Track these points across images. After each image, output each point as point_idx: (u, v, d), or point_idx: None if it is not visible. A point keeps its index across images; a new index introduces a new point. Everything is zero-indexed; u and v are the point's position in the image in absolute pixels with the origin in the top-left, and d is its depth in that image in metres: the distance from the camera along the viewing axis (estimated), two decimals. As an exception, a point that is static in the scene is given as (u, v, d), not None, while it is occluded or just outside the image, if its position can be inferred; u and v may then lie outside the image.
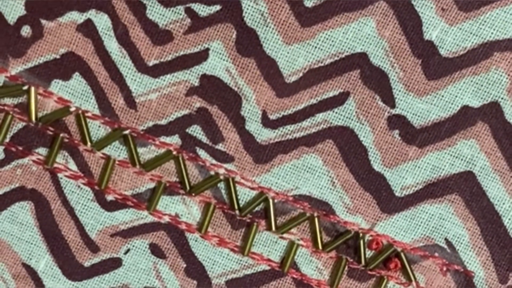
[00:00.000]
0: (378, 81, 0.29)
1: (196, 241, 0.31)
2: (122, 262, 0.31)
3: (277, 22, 0.29)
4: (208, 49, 0.29)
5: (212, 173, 0.30)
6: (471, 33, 0.29)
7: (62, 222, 0.31)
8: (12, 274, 0.31)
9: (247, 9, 0.29)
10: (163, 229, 0.31)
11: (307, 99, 0.30)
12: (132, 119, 0.30)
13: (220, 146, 0.30)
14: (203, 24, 0.29)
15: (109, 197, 0.31)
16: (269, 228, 0.31)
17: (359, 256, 0.31)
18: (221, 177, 0.30)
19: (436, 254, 0.30)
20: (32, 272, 0.31)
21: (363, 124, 0.30)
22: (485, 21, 0.29)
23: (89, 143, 0.30)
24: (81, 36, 0.30)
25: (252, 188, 0.30)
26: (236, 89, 0.30)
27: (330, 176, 0.30)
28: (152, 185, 0.31)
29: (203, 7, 0.29)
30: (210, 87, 0.30)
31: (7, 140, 0.30)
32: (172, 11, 0.29)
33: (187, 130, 0.30)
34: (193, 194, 0.30)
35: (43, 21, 0.29)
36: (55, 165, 0.31)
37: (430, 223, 0.30)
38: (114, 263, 0.31)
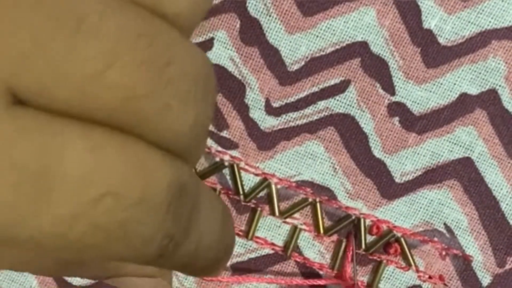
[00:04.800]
0: (378, 69, 0.30)
1: (201, 225, 0.32)
2: (130, 246, 0.32)
3: (279, 12, 0.30)
4: (212, 38, 0.30)
5: (217, 159, 0.31)
6: (469, 21, 0.29)
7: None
8: (25, 257, 0.32)
9: (250, -1, 0.30)
10: (170, 214, 0.32)
11: (309, 87, 0.30)
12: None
13: (225, 133, 0.31)
14: (207, 14, 0.30)
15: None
16: (272, 213, 0.31)
17: (359, 241, 0.31)
18: (226, 163, 0.31)
19: (435, 239, 0.31)
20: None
21: (363, 111, 0.30)
22: (483, 10, 0.29)
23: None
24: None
25: (256, 174, 0.31)
26: (240, 77, 0.30)
27: (331, 162, 0.31)
28: (159, 171, 0.31)
29: (208, -2, 0.30)
30: (215, 76, 0.30)
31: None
32: (177, 1, 0.30)
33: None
34: (199, 180, 0.31)
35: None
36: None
37: (429, 208, 0.31)
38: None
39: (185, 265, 0.19)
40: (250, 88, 0.30)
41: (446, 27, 0.29)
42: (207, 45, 0.30)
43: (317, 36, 0.30)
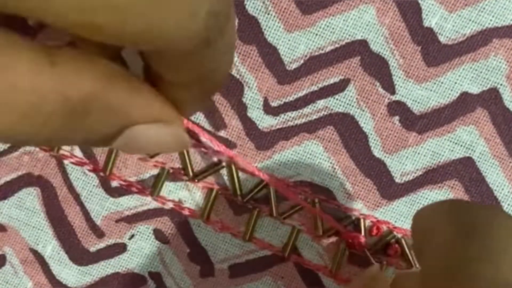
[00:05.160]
0: (378, 68, 0.30)
1: (199, 226, 0.31)
2: (127, 247, 0.32)
3: (278, 10, 0.29)
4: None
5: (215, 159, 0.31)
6: (470, 20, 0.29)
7: (68, 208, 0.31)
8: (19, 259, 0.32)
9: (249, -3, 0.29)
10: (167, 215, 0.31)
11: (308, 86, 0.30)
12: (136, 106, 0.30)
13: (222, 133, 0.31)
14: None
15: (114, 183, 0.31)
16: (270, 213, 0.31)
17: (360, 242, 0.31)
18: (224, 163, 0.31)
19: (436, 240, 0.31)
20: (39, 257, 0.32)
21: (363, 111, 0.30)
22: (484, 8, 0.29)
23: (94, 130, 0.31)
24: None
25: (254, 175, 0.31)
26: (238, 76, 0.30)
27: (331, 163, 0.30)
28: (155, 171, 0.31)
29: (205, -4, 0.29)
30: (213, 75, 0.30)
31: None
32: None
33: (190, 117, 0.30)
34: (196, 180, 0.31)
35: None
36: (61, 152, 0.31)
37: (430, 208, 0.30)
38: (119, 248, 0.32)
39: (213, 70, 0.21)
40: (248, 87, 0.30)
41: (447, 25, 0.29)
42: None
43: (316, 35, 0.29)
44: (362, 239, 0.30)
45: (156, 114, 0.22)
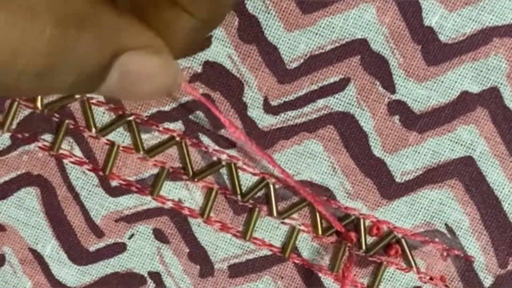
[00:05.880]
0: (378, 67, 0.30)
1: (198, 226, 0.31)
2: (126, 247, 0.32)
3: (278, 9, 0.29)
4: (211, 36, 0.30)
5: (215, 158, 0.31)
6: (470, 19, 0.29)
7: (68, 208, 0.31)
8: (19, 259, 0.32)
9: (249, -4, 0.29)
10: (167, 214, 0.31)
11: (308, 85, 0.30)
12: (136, 105, 0.31)
13: (222, 132, 0.30)
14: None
15: (114, 183, 0.31)
16: (270, 213, 0.31)
17: (359, 242, 0.31)
18: (223, 162, 0.31)
19: (437, 240, 0.31)
20: (38, 257, 0.32)
21: (363, 110, 0.30)
22: (484, 7, 0.29)
23: (93, 129, 0.31)
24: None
25: (254, 174, 0.31)
26: (238, 75, 0.30)
27: (331, 162, 0.30)
28: (155, 170, 0.31)
29: (205, -6, 0.29)
30: (213, 74, 0.30)
31: (14, 127, 0.31)
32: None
33: (190, 116, 0.30)
34: (196, 180, 0.31)
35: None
36: (61, 151, 0.31)
37: (430, 208, 0.30)
38: (118, 248, 0.32)
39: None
40: (249, 86, 0.30)
41: (447, 24, 0.29)
42: (206, 43, 0.30)
43: (316, 34, 0.29)
44: (352, 235, 0.30)
45: (146, 41, 0.22)
